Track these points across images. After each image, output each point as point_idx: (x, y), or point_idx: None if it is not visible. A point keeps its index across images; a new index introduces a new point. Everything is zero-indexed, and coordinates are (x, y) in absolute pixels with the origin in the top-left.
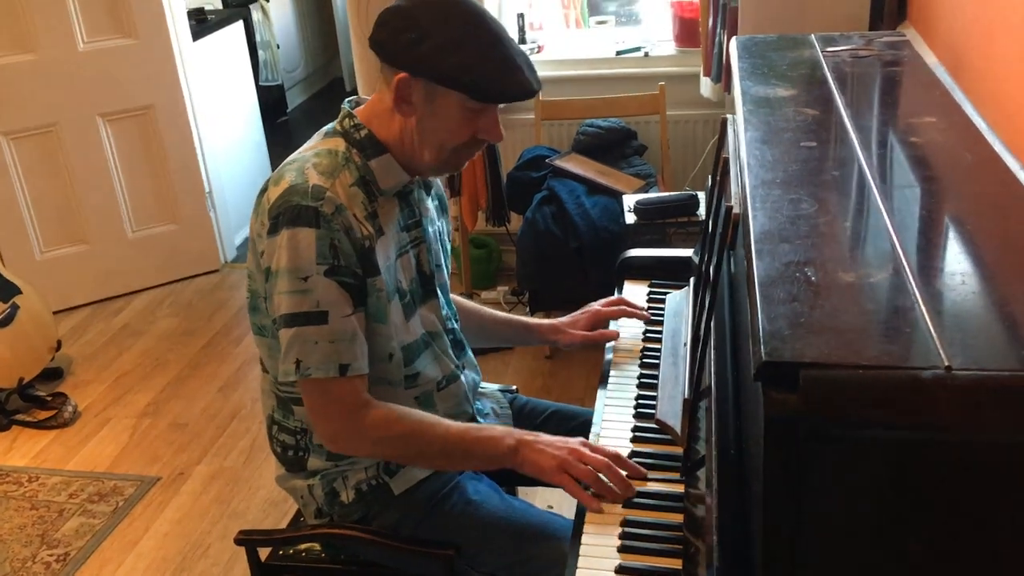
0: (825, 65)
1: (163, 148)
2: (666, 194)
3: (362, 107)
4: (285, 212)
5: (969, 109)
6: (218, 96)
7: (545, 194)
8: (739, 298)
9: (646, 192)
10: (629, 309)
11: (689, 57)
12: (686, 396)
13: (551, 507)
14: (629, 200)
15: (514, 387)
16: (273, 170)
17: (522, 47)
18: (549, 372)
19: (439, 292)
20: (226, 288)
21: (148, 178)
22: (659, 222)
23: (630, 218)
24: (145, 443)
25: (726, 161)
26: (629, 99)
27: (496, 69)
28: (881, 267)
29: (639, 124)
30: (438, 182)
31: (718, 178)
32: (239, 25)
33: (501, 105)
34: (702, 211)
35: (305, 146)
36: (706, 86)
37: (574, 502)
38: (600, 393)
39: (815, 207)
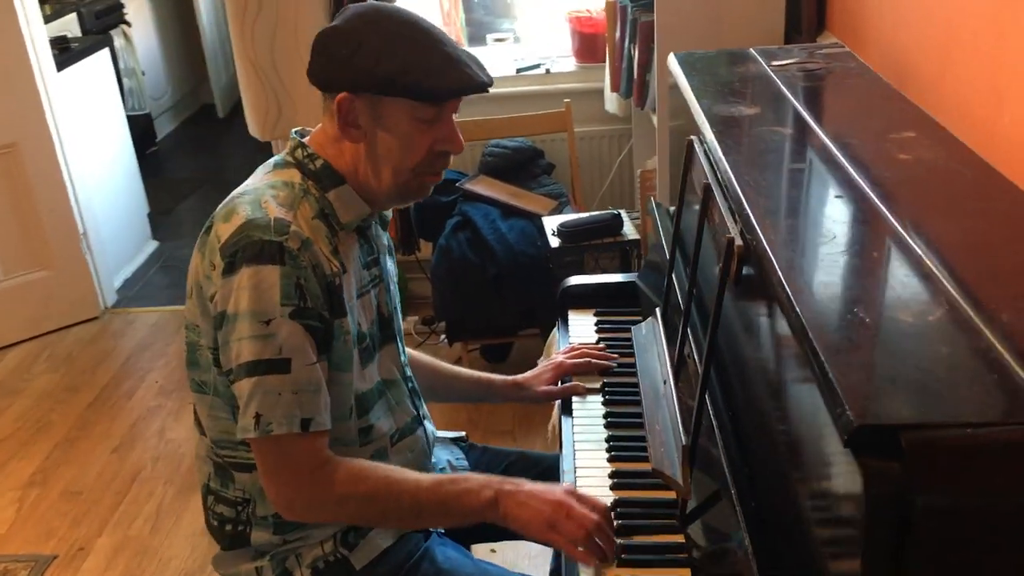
0: (777, 80)
1: (30, 188)
2: (588, 214)
3: (310, 136)
4: (245, 248)
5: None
6: (87, 129)
7: (459, 220)
8: (730, 330)
9: (560, 212)
10: (595, 362)
11: (591, 72)
12: (684, 443)
13: (493, 551)
14: (550, 223)
15: (463, 433)
16: (151, 204)
17: None
18: (474, 406)
19: (397, 336)
20: (109, 336)
21: (15, 221)
22: (584, 244)
23: (554, 241)
24: (35, 517)
25: (708, 187)
26: (534, 117)
27: (437, 65)
28: (934, 302)
29: (544, 142)
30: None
31: (697, 205)
32: (105, 53)
33: (455, 115)
34: (626, 230)
35: (253, 179)
36: (612, 101)
37: (522, 546)
38: (566, 431)
39: (833, 236)
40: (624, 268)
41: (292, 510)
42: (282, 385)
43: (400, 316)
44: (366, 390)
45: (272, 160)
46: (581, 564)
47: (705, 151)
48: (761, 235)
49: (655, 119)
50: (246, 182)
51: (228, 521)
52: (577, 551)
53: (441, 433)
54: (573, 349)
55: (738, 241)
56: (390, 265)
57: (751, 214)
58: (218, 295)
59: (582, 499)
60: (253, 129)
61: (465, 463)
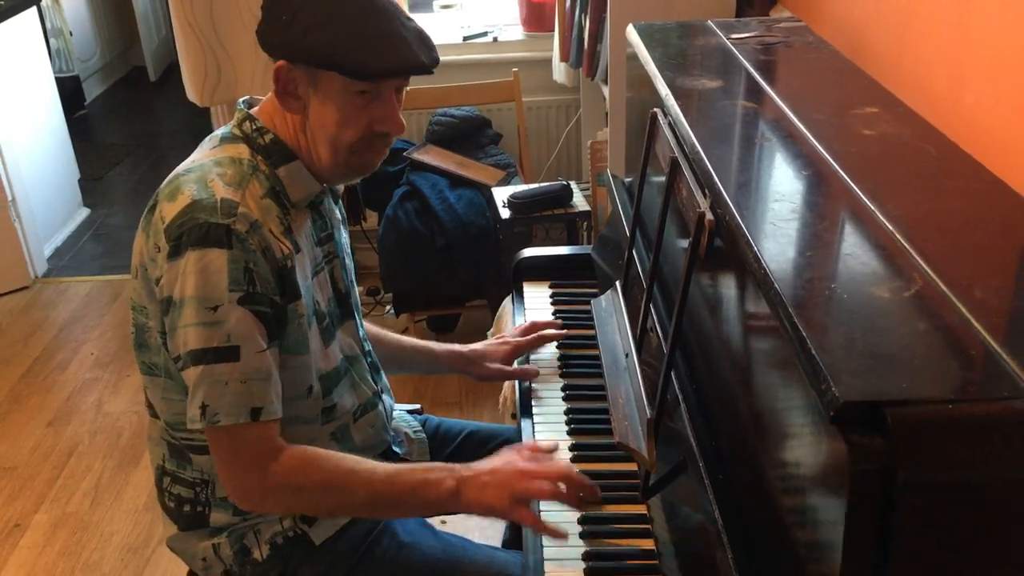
0: (738, 53)
1: None
2: (538, 185)
3: (258, 107)
4: (191, 231)
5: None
6: (14, 92)
7: (406, 189)
8: (694, 304)
9: (507, 183)
10: (548, 335)
11: (539, 41)
12: (649, 416)
13: (444, 522)
14: (501, 193)
15: (418, 406)
16: (81, 170)
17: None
18: (419, 377)
19: (355, 312)
20: (40, 307)
21: None
22: (535, 215)
23: (504, 213)
24: None
25: (674, 161)
26: (482, 86)
27: (370, 42)
28: (908, 278)
29: (491, 112)
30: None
31: (658, 178)
32: (32, 12)
33: (401, 89)
34: (576, 201)
35: (198, 155)
36: (560, 71)
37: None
38: (524, 404)
39: (808, 213)
40: (572, 240)
41: (248, 500)
42: (230, 374)
43: (356, 289)
44: (330, 370)
45: (218, 133)
46: (551, 536)
47: (670, 124)
48: (734, 210)
49: (606, 90)
50: (191, 157)
51: (186, 502)
52: (546, 527)
53: (397, 406)
54: (531, 326)
55: (708, 216)
56: (344, 237)
57: (722, 189)
58: (164, 279)
59: (539, 459)
60: (191, 94)
61: (423, 435)
